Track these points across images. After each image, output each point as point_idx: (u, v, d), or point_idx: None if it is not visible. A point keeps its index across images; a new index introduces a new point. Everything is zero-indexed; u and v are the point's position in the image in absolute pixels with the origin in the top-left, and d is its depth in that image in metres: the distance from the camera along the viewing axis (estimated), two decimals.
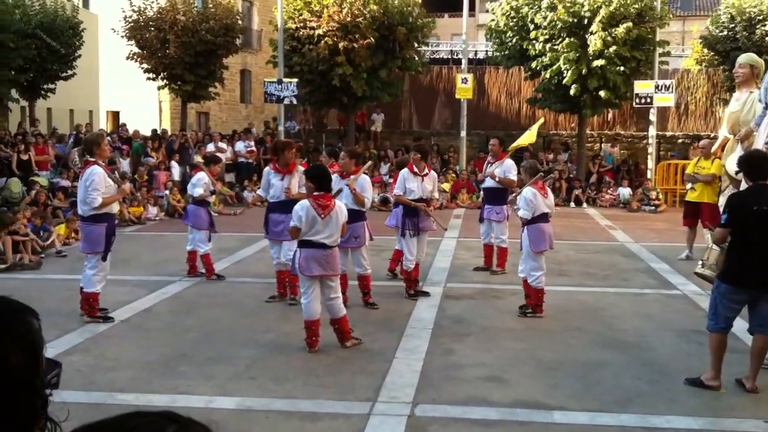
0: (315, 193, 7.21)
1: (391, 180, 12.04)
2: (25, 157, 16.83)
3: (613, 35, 20.19)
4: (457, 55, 31.88)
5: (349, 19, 21.67)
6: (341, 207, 7.35)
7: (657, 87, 21.60)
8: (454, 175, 21.82)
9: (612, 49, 20.22)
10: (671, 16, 23.65)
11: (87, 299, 8.23)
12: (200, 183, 10.49)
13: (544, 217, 8.63)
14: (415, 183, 9.58)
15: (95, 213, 8.04)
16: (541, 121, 14.97)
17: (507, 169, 11.11)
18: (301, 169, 9.26)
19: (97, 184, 7.94)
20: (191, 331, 8.03)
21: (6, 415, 1.22)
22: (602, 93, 20.82)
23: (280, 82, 22.09)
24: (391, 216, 10.22)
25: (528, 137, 11.97)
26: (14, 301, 1.41)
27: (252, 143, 22.64)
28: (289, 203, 9.15)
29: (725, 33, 23.34)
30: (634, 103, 22.21)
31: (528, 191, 8.60)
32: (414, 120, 28.22)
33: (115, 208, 8.62)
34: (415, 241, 9.54)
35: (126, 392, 6.17)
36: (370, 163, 9.64)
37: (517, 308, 8.89)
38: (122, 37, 23.48)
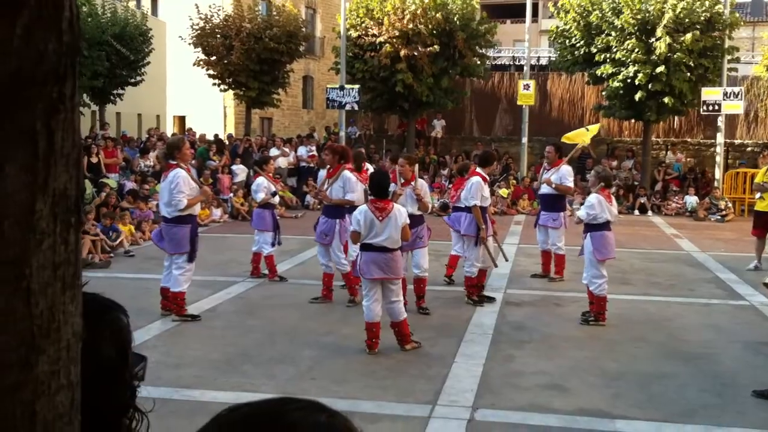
0: (372, 198, 7.33)
1: (451, 186, 12.01)
2: (95, 160, 17.35)
3: (679, 42, 19.79)
4: (519, 61, 31.66)
5: (410, 26, 21.75)
6: (400, 209, 7.39)
7: (725, 94, 21.06)
8: (514, 181, 21.67)
9: (677, 55, 19.82)
10: (742, 22, 23.04)
11: (175, 299, 8.50)
12: (260, 188, 10.69)
13: (607, 225, 8.52)
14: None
15: (179, 214, 8.30)
16: (601, 124, 14.72)
17: (563, 175, 10.99)
18: (347, 174, 9.35)
19: (181, 187, 8.22)
20: (254, 331, 8.18)
21: (98, 405, 1.30)
22: (666, 99, 20.41)
23: (342, 88, 22.29)
24: (461, 221, 10.17)
25: (581, 135, 11.83)
26: (105, 297, 1.50)
27: (314, 148, 22.90)
28: (331, 208, 9.33)
29: None
30: (701, 111, 21.70)
31: (594, 196, 8.51)
32: (475, 126, 28.12)
33: (197, 209, 8.89)
34: (482, 248, 9.50)
35: (191, 388, 6.33)
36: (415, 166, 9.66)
37: (579, 316, 8.79)
38: (189, 44, 24.04)
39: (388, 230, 7.18)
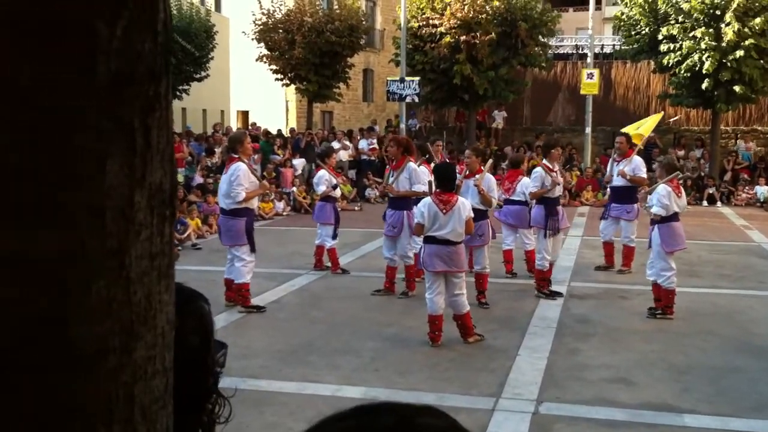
0: (437, 191, 7.34)
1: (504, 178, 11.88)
2: None
3: (749, 27, 19.19)
4: (582, 50, 31.15)
5: (471, 15, 21.62)
6: (464, 202, 7.36)
7: None
8: (578, 172, 21.35)
9: (748, 41, 19.22)
10: None
11: (239, 290, 8.68)
12: (321, 181, 10.78)
13: (675, 216, 8.35)
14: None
15: (236, 207, 8.46)
16: (662, 114, 14.36)
17: (637, 166, 10.81)
18: (413, 166, 9.39)
19: (241, 180, 8.38)
20: (318, 323, 8.29)
21: (183, 391, 1.36)
22: (737, 88, 19.82)
23: (402, 80, 22.30)
24: (520, 215, 10.13)
25: (639, 126, 11.67)
26: (187, 287, 1.56)
27: (374, 141, 22.97)
28: (398, 200, 9.36)
29: None
30: None
31: (663, 188, 8.34)
32: (537, 116, 27.79)
33: (254, 203, 9.05)
34: (551, 240, 9.44)
35: (258, 378, 6.47)
36: (490, 161, 9.62)
37: (645, 309, 8.65)
38: (252, 39, 24.37)
39: (452, 223, 7.17)
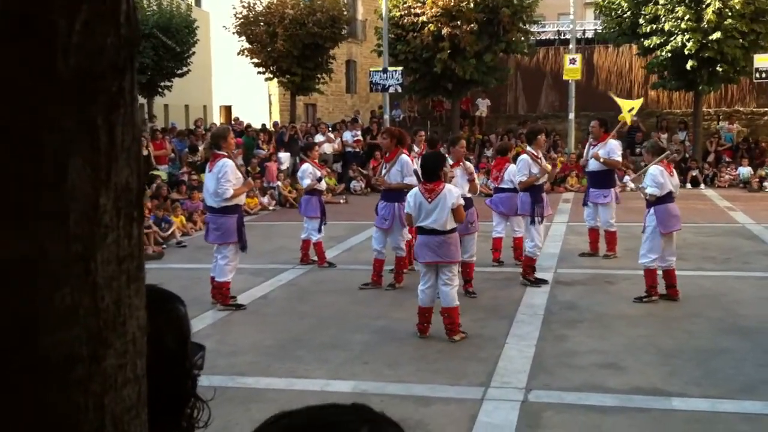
0: (423, 180, 7.31)
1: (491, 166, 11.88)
2: (144, 153, 17.64)
3: (729, 6, 19.26)
4: (564, 35, 31.15)
5: (452, 3, 21.56)
6: (451, 190, 7.23)
7: None
8: (562, 158, 21.39)
9: (728, 21, 19.29)
10: None
11: (219, 288, 8.60)
12: (305, 174, 10.73)
13: (670, 197, 8.35)
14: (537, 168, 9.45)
15: (226, 204, 8.39)
16: (642, 100, 14.42)
17: (611, 149, 10.81)
18: (405, 158, 9.37)
19: (229, 176, 8.30)
20: (306, 317, 8.25)
21: (160, 396, 1.32)
22: (719, 67, 19.90)
23: (385, 71, 22.23)
24: (508, 202, 10.11)
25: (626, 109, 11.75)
26: (162, 288, 1.52)
27: (358, 132, 22.91)
28: (390, 192, 9.33)
29: None
30: (753, 78, 21.12)
31: (655, 168, 8.33)
32: (521, 103, 27.82)
33: (242, 199, 8.98)
34: (541, 227, 9.43)
35: (246, 376, 6.43)
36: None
37: (632, 293, 8.67)
38: (233, 33, 24.22)
39: (437, 212, 7.12)
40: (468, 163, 9.39)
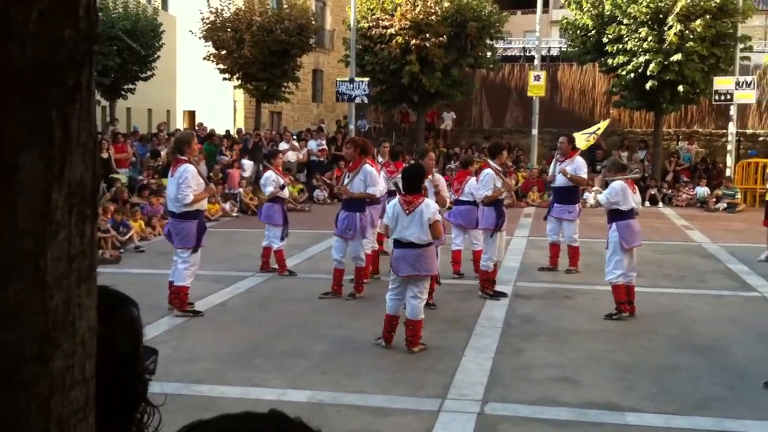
0: (403, 192, 7.28)
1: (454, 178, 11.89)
2: (105, 156, 17.38)
3: (690, 29, 19.67)
4: (529, 52, 31.53)
5: (421, 16, 21.69)
6: (428, 204, 7.27)
7: (737, 83, 20.93)
8: (524, 173, 21.60)
9: (689, 44, 19.70)
10: (754, 10, 22.88)
11: (177, 293, 8.50)
12: (269, 181, 10.68)
13: (631, 213, 8.45)
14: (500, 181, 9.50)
15: (186, 210, 8.31)
16: (609, 120, 14.67)
17: (578, 166, 10.95)
18: (369, 168, 9.35)
19: (189, 181, 8.24)
20: (264, 325, 8.18)
21: (111, 399, 1.28)
22: (680, 88, 20.31)
23: (351, 81, 22.25)
24: (468, 215, 10.14)
25: (591, 132, 11.90)
26: (115, 290, 1.49)
27: (323, 142, 22.88)
28: (352, 202, 9.31)
29: None
30: (713, 100, 21.58)
31: (618, 183, 8.45)
32: (485, 118, 28.05)
33: (204, 205, 8.89)
34: (496, 240, 9.46)
35: (201, 383, 6.34)
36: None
37: (590, 308, 8.75)
38: (200, 38, 24.05)
39: (414, 225, 7.11)
40: (438, 176, 9.44)
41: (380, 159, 11.39)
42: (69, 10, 0.95)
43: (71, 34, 0.96)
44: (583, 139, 12.05)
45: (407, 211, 7.12)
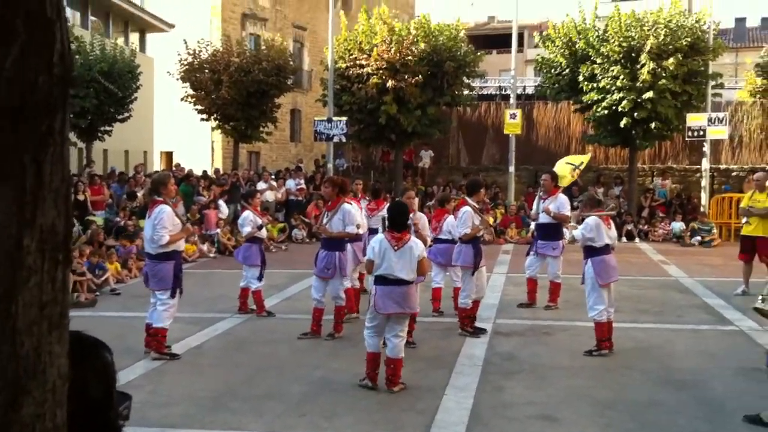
0: (389, 229, 7.27)
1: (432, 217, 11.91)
2: (81, 198, 17.26)
3: (663, 67, 20.06)
4: (505, 91, 31.93)
5: (397, 57, 21.93)
6: (416, 242, 7.31)
7: (710, 120, 21.32)
8: (502, 209, 21.73)
9: (662, 82, 20.08)
10: (725, 48, 23.39)
11: (156, 335, 8.40)
12: (246, 222, 10.67)
13: (606, 249, 8.51)
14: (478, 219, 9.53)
15: (163, 251, 8.26)
16: (589, 155, 14.83)
17: (561, 204, 11.05)
18: (347, 207, 9.37)
19: (165, 222, 8.20)
20: (242, 368, 8.09)
21: None
22: (653, 125, 20.63)
23: (329, 120, 22.38)
24: (446, 253, 10.16)
25: (568, 169, 11.94)
26: (89, 336, 1.47)
27: (302, 181, 22.92)
28: (331, 241, 9.30)
29: None
30: (686, 136, 21.93)
31: (592, 219, 8.51)
32: (462, 156, 28.27)
33: (181, 245, 8.84)
34: (474, 278, 9.47)
35: (179, 428, 6.24)
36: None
37: (569, 345, 8.75)
38: (177, 79, 24.12)
39: (403, 261, 7.11)
40: (419, 214, 9.47)
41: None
42: (43, 55, 0.96)
43: (45, 79, 0.96)
44: (568, 171, 12.07)
45: (396, 247, 7.12)
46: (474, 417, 6.46)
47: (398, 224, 7.27)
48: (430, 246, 10.34)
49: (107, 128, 23.26)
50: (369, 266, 7.35)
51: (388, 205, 8.84)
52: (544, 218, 11.07)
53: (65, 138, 1.02)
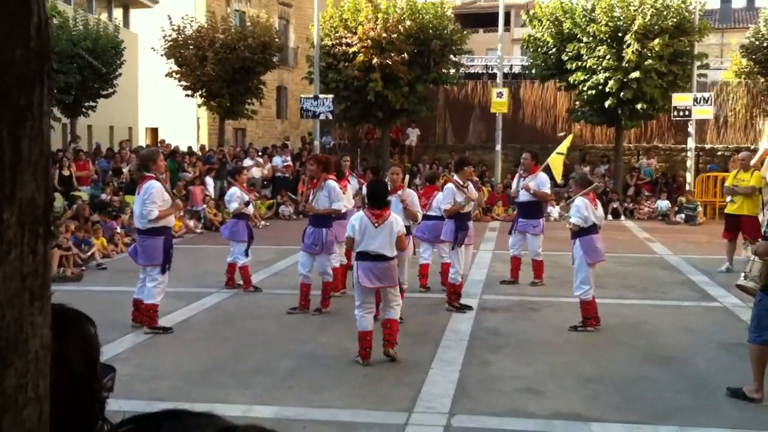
0: (368, 206, 7.32)
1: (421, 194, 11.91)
2: (66, 173, 17.16)
3: (648, 48, 20.07)
4: (491, 70, 31.84)
5: (384, 35, 21.80)
6: (396, 218, 7.39)
7: (695, 100, 21.37)
8: (489, 187, 21.77)
9: (648, 62, 20.09)
10: (710, 28, 23.39)
11: (147, 311, 8.41)
12: (233, 198, 10.65)
13: (594, 228, 8.57)
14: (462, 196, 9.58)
15: (153, 226, 8.25)
16: (572, 134, 14.86)
17: (541, 182, 11.08)
18: (332, 184, 9.36)
19: (154, 197, 8.19)
20: (229, 342, 8.12)
21: (67, 417, 1.27)
22: (639, 105, 20.68)
23: (316, 98, 22.28)
24: (432, 230, 10.22)
25: (557, 159, 12.01)
26: (72, 308, 1.47)
27: (288, 158, 22.86)
28: (318, 218, 9.32)
29: (765, 44, 23.05)
30: (672, 116, 21.99)
31: (580, 200, 8.56)
32: (449, 134, 28.24)
33: (171, 221, 8.82)
34: (462, 253, 9.54)
35: (166, 401, 6.26)
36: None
37: (555, 320, 8.82)
38: (162, 55, 23.91)
39: (383, 237, 7.17)
40: (408, 191, 9.50)
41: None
42: (20, 30, 0.96)
43: (22, 53, 0.96)
44: (560, 161, 12.20)
45: (376, 224, 7.17)
46: (460, 390, 6.52)
47: (378, 201, 7.31)
48: (419, 223, 10.39)
49: (92, 104, 23.09)
50: (349, 243, 7.43)
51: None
52: (524, 196, 11.11)
53: (44, 112, 1.01)
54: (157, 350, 7.87)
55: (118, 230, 14.67)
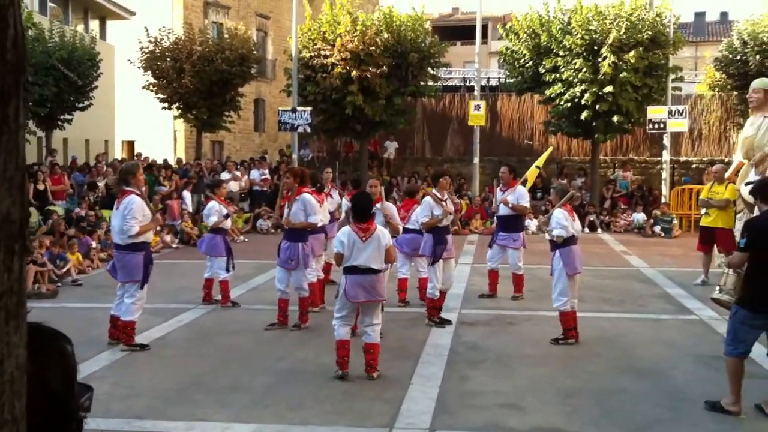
0: (354, 220, 7.30)
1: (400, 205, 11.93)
2: (41, 187, 16.98)
3: (624, 60, 20.30)
4: (469, 83, 32.08)
5: (361, 47, 21.86)
6: (383, 230, 7.39)
7: (670, 112, 21.61)
8: (467, 201, 21.83)
9: (623, 75, 20.31)
10: (684, 42, 23.72)
11: (124, 328, 8.31)
12: (212, 211, 10.58)
13: (573, 240, 8.60)
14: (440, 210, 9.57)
15: (132, 242, 8.15)
16: (551, 148, 15.03)
17: (520, 195, 11.12)
18: (307, 197, 9.30)
19: (135, 213, 8.10)
20: (207, 359, 8.03)
21: None
22: (615, 118, 20.89)
23: (294, 110, 22.26)
24: (411, 243, 10.22)
25: (534, 172, 12.15)
26: (48, 327, 1.44)
27: (266, 171, 22.78)
28: (293, 232, 9.25)
29: (738, 58, 23.40)
30: (647, 129, 22.22)
31: (559, 212, 8.59)
32: (427, 147, 28.32)
33: (150, 237, 8.73)
34: (439, 268, 9.51)
35: (143, 419, 6.18)
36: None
37: (534, 334, 8.83)
38: (139, 67, 23.79)
39: (371, 250, 7.15)
40: (387, 204, 9.49)
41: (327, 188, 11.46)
42: None
43: None
44: (534, 174, 12.36)
45: (363, 238, 7.15)
46: (440, 406, 6.49)
47: (363, 215, 7.30)
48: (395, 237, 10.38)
49: (67, 117, 22.90)
50: (338, 259, 7.36)
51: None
52: (504, 210, 11.15)
53: (20, 126, 0.99)
54: (134, 368, 7.77)
55: (94, 245, 14.51)
